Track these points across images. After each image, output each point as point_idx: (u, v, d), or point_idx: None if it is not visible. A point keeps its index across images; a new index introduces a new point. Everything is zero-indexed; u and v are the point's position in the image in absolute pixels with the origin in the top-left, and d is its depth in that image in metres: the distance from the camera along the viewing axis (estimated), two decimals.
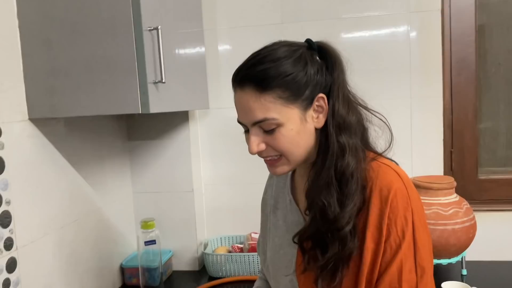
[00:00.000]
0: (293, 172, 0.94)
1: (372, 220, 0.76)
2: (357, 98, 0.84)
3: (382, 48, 1.70)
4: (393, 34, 1.70)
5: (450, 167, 1.73)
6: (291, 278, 0.86)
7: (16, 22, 1.15)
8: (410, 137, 1.72)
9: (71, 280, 1.36)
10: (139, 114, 1.71)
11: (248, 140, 0.81)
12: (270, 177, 1.03)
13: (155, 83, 1.16)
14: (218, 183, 1.87)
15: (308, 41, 0.82)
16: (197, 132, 1.83)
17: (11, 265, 1.11)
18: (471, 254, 1.59)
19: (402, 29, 1.70)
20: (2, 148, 1.09)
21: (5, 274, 1.09)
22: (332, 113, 0.78)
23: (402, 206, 0.76)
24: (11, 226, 1.11)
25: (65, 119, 1.34)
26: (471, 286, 1.31)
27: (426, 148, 1.72)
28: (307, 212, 0.81)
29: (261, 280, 1.09)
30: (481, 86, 1.77)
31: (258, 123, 0.78)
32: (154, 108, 1.15)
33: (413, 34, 1.69)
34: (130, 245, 1.74)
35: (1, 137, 1.08)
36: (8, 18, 1.13)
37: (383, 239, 0.75)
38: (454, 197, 1.48)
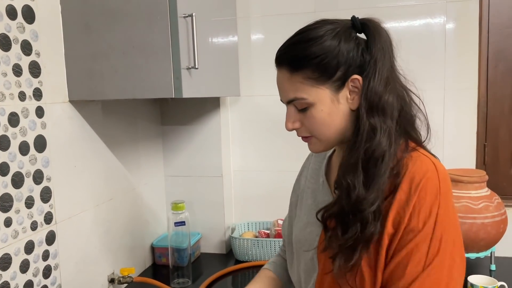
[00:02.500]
0: (331, 155, 0.95)
1: (395, 205, 0.76)
2: (401, 80, 0.82)
3: (416, 39, 1.67)
4: (428, 24, 1.67)
5: (482, 161, 1.69)
6: (312, 256, 0.87)
7: (59, 8, 1.21)
8: (442, 129, 1.69)
9: (105, 256, 1.43)
10: (172, 99, 1.77)
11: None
12: (307, 159, 1.05)
13: (188, 68, 1.20)
14: (247, 169, 1.91)
15: (352, 18, 0.82)
16: (227, 119, 1.87)
17: (50, 238, 1.18)
18: (501, 249, 1.57)
19: (438, 19, 1.66)
20: (44, 127, 1.15)
21: (45, 246, 1.16)
22: (365, 93, 0.77)
23: (430, 198, 0.74)
24: (51, 202, 1.18)
25: (102, 102, 1.40)
26: (499, 281, 1.30)
27: (458, 141, 1.69)
28: (336, 191, 0.82)
29: (278, 256, 1.12)
30: None
31: (291, 101, 0.81)
32: (186, 93, 1.19)
33: (449, 24, 1.65)
34: (161, 226, 1.81)
35: (44, 117, 1.15)
36: (52, 4, 1.19)
37: (403, 226, 0.75)
38: (485, 191, 1.46)
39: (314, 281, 0.87)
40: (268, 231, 1.81)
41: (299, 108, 0.81)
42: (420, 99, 0.84)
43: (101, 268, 1.42)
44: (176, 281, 1.55)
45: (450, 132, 1.69)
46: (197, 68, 1.22)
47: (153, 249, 1.74)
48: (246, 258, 1.72)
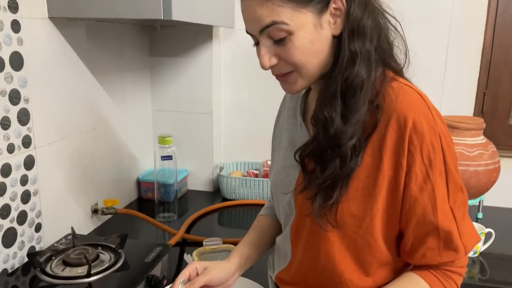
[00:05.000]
0: (307, 93, 0.88)
1: (389, 145, 0.70)
2: (381, 2, 0.75)
3: None
4: None
5: (481, 110, 1.65)
6: (289, 200, 0.83)
7: None
8: (443, 73, 1.63)
9: (89, 186, 1.39)
10: (161, 27, 1.67)
11: (259, 53, 0.73)
12: (283, 100, 0.98)
13: None
14: (238, 108, 1.84)
15: None
16: (220, 53, 1.78)
17: (29, 163, 1.13)
18: (490, 199, 1.56)
19: None
20: (21, 44, 1.07)
21: (23, 171, 1.11)
22: (347, 16, 0.70)
23: (428, 131, 0.69)
24: (29, 125, 1.12)
25: (86, 24, 1.30)
26: (486, 228, 1.29)
27: (458, 87, 1.64)
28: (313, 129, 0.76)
29: (270, 200, 1.06)
30: None
31: (266, 28, 0.69)
32: (176, 15, 1.10)
33: None
34: (147, 161, 1.76)
35: (20, 32, 1.06)
36: None
37: (404, 167, 0.70)
38: (481, 139, 1.42)
39: (291, 224, 0.84)
40: (257, 171, 1.78)
41: (275, 39, 0.70)
42: (398, 21, 0.76)
43: (84, 198, 1.38)
44: (162, 215, 1.53)
45: (451, 78, 1.63)
46: None
47: (139, 183, 1.71)
48: (234, 196, 1.70)
